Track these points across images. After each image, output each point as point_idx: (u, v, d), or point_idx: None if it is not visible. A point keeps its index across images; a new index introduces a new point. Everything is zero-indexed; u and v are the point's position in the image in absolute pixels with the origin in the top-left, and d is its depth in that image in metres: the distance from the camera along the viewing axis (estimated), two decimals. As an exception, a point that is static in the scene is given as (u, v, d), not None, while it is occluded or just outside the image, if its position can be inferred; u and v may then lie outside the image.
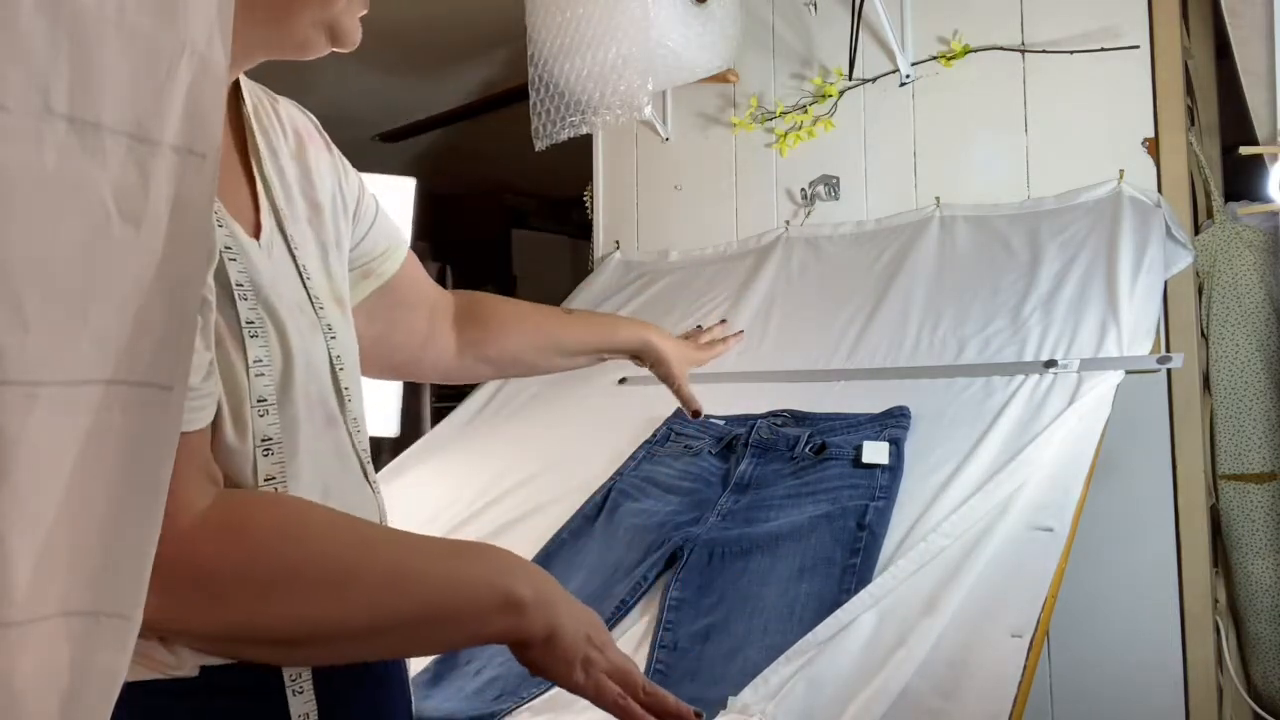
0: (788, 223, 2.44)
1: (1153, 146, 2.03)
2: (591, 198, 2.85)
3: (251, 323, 0.65)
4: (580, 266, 3.01)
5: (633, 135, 2.76)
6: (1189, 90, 2.12)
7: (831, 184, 2.42)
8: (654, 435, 1.80)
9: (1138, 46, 2.05)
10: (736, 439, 1.69)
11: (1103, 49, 2.07)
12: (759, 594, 1.33)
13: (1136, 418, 1.92)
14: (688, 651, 1.27)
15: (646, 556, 1.45)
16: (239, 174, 0.76)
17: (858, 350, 1.94)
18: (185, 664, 0.60)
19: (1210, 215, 2.15)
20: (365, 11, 0.76)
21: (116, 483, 0.39)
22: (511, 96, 3.41)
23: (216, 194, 0.67)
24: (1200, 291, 2.10)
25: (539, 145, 2.20)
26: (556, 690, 1.24)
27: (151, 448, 0.41)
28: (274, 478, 0.64)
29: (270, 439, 0.64)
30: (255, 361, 0.65)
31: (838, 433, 1.63)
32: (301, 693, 0.64)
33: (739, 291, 2.28)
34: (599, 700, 0.71)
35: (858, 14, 2.29)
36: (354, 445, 0.76)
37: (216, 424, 0.62)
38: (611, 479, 1.70)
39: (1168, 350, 1.97)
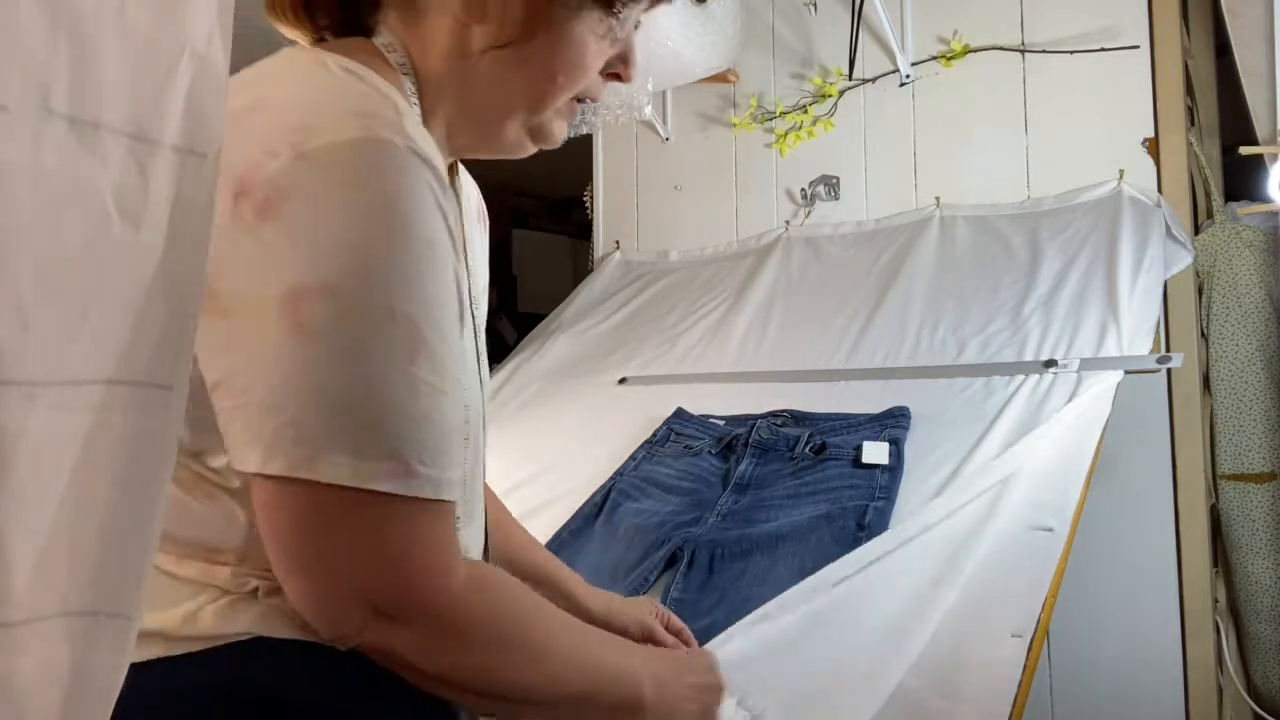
0: (788, 223, 2.44)
1: (1153, 146, 2.03)
2: (591, 198, 2.85)
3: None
4: (580, 266, 3.01)
5: (633, 135, 2.76)
6: (1189, 90, 2.12)
7: (831, 184, 2.42)
8: (654, 435, 1.80)
9: (1138, 46, 2.05)
10: (736, 439, 1.69)
11: (1103, 49, 2.07)
12: (759, 594, 1.32)
13: (1136, 418, 1.92)
14: (688, 651, 1.26)
15: (647, 556, 1.45)
16: None
17: (858, 350, 1.93)
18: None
19: (1210, 215, 2.15)
20: (572, 117, 0.79)
21: (116, 483, 0.39)
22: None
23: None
24: (1200, 291, 2.10)
25: (539, 145, 2.19)
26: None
27: (151, 448, 0.41)
28: (459, 517, 0.70)
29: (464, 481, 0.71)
30: (466, 407, 0.70)
31: (838, 433, 1.63)
32: None
33: (739, 291, 2.28)
34: None
35: (858, 14, 2.29)
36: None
37: None
38: (611, 479, 1.70)
39: (1168, 350, 1.97)
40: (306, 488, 0.57)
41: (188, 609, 0.63)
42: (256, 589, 0.63)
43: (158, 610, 0.63)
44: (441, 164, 0.63)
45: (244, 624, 0.63)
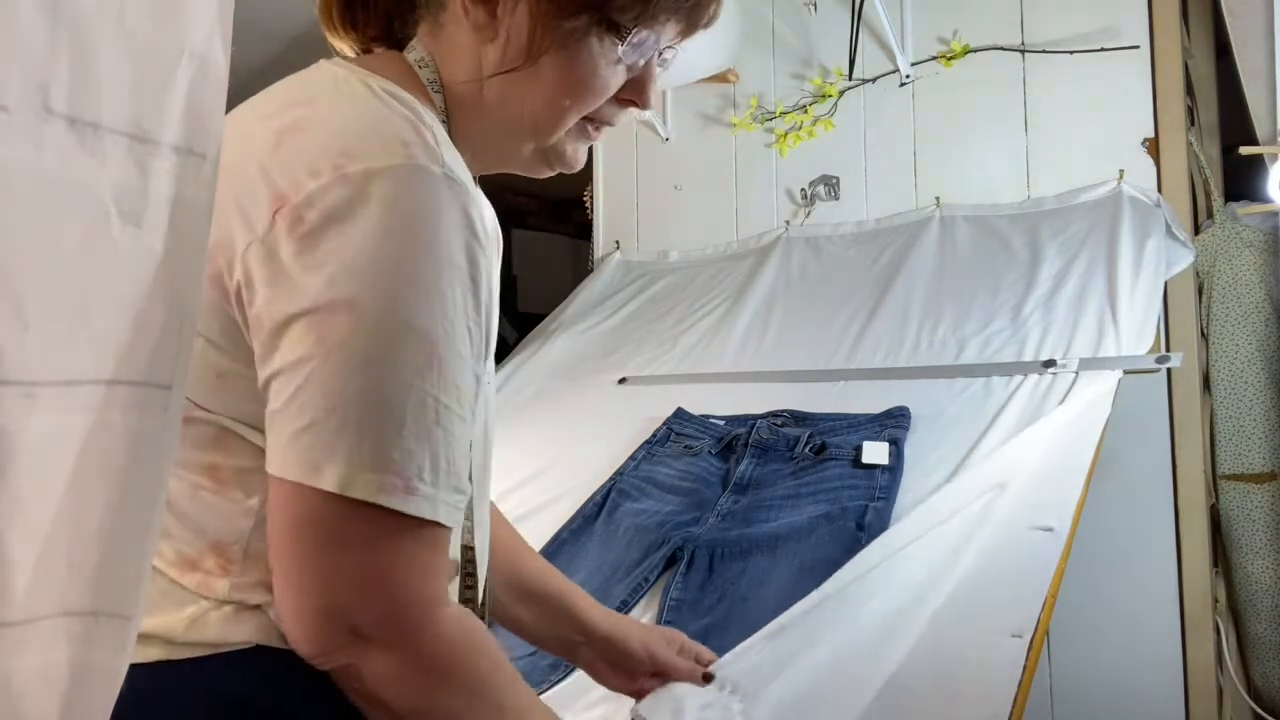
0: (788, 223, 2.44)
1: (1153, 146, 2.03)
2: (591, 198, 2.85)
3: None
4: (580, 266, 3.01)
5: (633, 135, 2.76)
6: (1189, 90, 2.12)
7: (831, 184, 2.42)
8: (654, 435, 1.80)
9: (1138, 46, 2.05)
10: (736, 439, 1.69)
11: (1103, 49, 2.07)
12: (759, 594, 1.33)
13: (1136, 418, 1.92)
14: (688, 651, 1.26)
15: (646, 556, 1.45)
16: None
17: (858, 350, 1.94)
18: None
19: (1210, 215, 2.15)
20: (593, 139, 0.78)
21: (116, 483, 0.39)
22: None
23: None
24: (1200, 291, 2.10)
25: (539, 145, 2.19)
26: (562, 685, 1.24)
27: (151, 448, 0.41)
28: (469, 521, 0.73)
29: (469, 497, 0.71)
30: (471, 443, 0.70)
31: (838, 433, 1.63)
32: None
33: (739, 291, 2.28)
34: None
35: (858, 14, 2.29)
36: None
37: None
38: (611, 479, 1.70)
39: (1168, 350, 1.97)
40: (307, 494, 0.57)
41: (192, 613, 0.63)
42: (258, 605, 0.63)
43: (161, 613, 0.63)
44: (477, 192, 0.63)
45: (247, 633, 0.63)
